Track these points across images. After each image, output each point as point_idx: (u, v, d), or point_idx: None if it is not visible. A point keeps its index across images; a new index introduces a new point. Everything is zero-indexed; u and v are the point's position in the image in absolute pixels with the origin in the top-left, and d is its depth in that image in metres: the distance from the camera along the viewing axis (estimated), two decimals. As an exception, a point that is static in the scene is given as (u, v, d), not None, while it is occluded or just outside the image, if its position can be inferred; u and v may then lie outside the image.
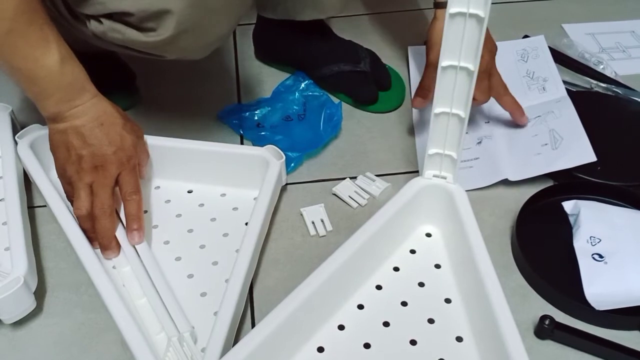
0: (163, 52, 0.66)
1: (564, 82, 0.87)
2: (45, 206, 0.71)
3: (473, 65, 0.57)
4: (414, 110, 0.84)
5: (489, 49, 0.75)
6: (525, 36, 0.97)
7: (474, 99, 0.78)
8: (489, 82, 0.76)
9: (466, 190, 0.65)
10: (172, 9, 0.60)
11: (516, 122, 0.80)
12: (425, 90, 0.77)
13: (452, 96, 0.60)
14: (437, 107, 0.61)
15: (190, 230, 0.70)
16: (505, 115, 0.83)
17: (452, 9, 0.54)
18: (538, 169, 0.74)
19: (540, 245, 0.67)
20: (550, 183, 0.75)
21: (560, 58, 0.93)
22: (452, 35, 0.56)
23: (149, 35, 0.63)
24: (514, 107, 0.78)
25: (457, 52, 0.57)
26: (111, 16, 0.63)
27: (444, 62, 0.58)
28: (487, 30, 0.75)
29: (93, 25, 0.65)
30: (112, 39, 0.65)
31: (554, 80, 0.87)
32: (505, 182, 0.74)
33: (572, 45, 0.96)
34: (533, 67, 0.90)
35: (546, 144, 0.77)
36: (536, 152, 0.76)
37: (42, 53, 0.61)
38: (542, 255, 0.66)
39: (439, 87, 0.60)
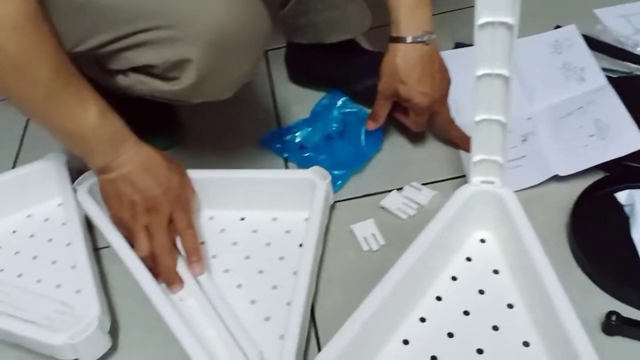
0: (189, 98, 0.68)
1: (603, 69, 0.85)
2: (108, 247, 0.75)
3: (508, 71, 0.57)
4: (454, 115, 0.84)
5: (439, 87, 0.75)
6: (557, 27, 0.96)
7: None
8: (431, 118, 0.78)
9: (517, 190, 0.65)
10: (191, 57, 0.62)
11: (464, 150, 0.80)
12: (375, 115, 0.80)
13: (489, 103, 0.60)
14: (477, 115, 0.61)
15: (247, 257, 0.72)
16: (547, 109, 0.82)
17: (480, 19, 0.55)
18: (588, 161, 0.73)
19: (598, 239, 0.66)
20: (600, 175, 0.73)
21: (596, 45, 0.91)
22: (483, 45, 0.56)
23: (173, 83, 0.65)
24: (461, 140, 0.79)
25: (490, 60, 0.57)
26: (136, 69, 0.66)
27: (478, 72, 0.58)
28: (444, 72, 0.76)
29: (120, 78, 0.68)
30: (138, 91, 0.68)
31: (592, 68, 0.85)
32: (555, 178, 0.73)
33: (606, 30, 0.94)
34: (568, 57, 0.88)
35: (593, 135, 0.75)
36: (584, 144, 0.75)
37: (81, 112, 0.62)
38: (601, 249, 0.65)
39: (477, 95, 0.60)
